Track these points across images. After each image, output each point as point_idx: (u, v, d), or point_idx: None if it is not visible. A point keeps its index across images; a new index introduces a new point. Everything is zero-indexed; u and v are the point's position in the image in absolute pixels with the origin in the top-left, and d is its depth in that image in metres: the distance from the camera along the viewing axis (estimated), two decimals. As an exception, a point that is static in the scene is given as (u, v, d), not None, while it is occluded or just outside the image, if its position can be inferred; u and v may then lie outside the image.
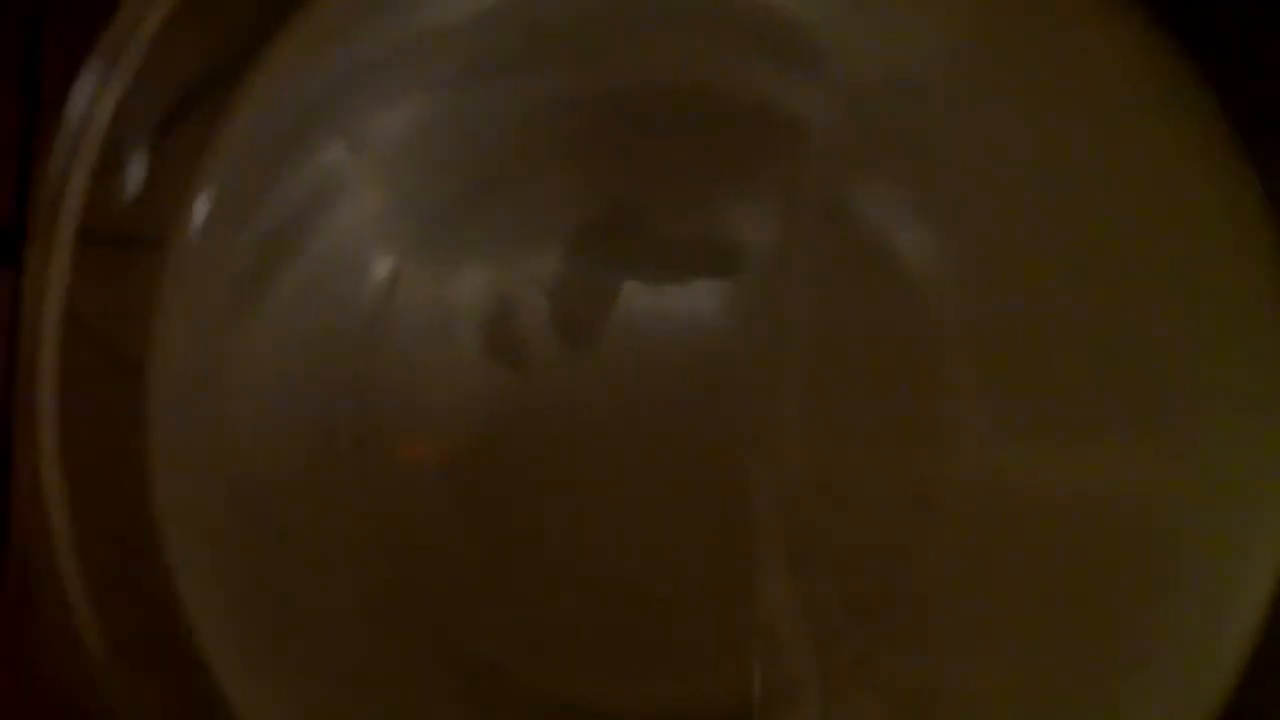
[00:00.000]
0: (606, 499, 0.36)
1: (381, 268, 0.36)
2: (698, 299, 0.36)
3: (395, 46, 0.37)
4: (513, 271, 0.36)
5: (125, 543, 0.35)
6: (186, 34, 0.37)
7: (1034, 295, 0.35)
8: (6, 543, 0.39)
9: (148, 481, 0.36)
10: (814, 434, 0.35)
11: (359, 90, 0.37)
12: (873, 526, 0.35)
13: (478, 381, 0.36)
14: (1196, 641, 0.35)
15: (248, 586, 0.37)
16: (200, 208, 0.37)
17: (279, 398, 0.36)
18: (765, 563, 0.35)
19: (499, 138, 0.37)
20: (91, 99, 0.36)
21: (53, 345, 0.35)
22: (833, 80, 0.36)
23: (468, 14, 0.37)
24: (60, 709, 0.35)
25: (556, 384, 0.36)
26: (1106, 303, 0.35)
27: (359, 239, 0.37)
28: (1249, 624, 0.35)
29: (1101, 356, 0.35)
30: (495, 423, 0.36)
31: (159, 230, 0.37)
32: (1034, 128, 0.35)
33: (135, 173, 0.37)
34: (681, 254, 0.36)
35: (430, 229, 0.37)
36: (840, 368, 0.36)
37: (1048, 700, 0.35)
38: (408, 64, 0.37)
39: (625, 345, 0.36)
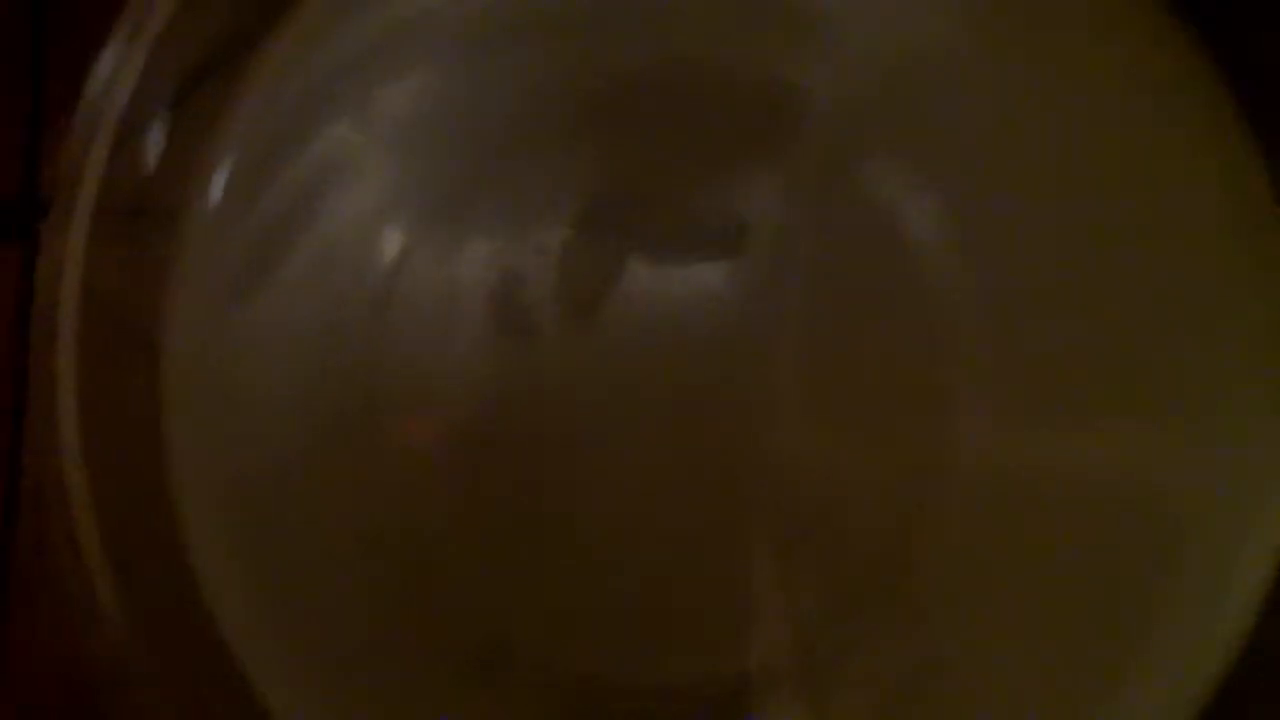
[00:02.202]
0: (609, 476, 0.36)
1: (388, 244, 0.37)
2: (701, 276, 0.36)
3: (400, 23, 0.38)
4: (518, 246, 0.36)
5: (144, 517, 0.36)
6: (199, 12, 0.37)
7: (1039, 276, 0.35)
8: (17, 517, 0.39)
9: (164, 456, 0.36)
10: (814, 414, 0.36)
11: (365, 67, 0.37)
12: (870, 510, 0.35)
13: (483, 358, 0.36)
14: (1195, 623, 0.35)
15: (259, 564, 0.37)
16: (213, 183, 0.38)
17: (287, 376, 0.37)
18: (759, 544, 0.35)
19: (503, 114, 0.37)
20: (110, 77, 0.36)
21: (71, 318, 0.35)
22: (840, 55, 0.36)
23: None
24: (78, 684, 0.35)
25: (561, 360, 0.36)
26: (1112, 287, 0.35)
27: (366, 216, 0.37)
28: (1247, 606, 0.36)
29: (1105, 341, 0.35)
30: (500, 400, 0.36)
31: (173, 204, 0.37)
32: (1043, 109, 0.35)
33: (151, 148, 0.37)
34: (685, 231, 0.36)
35: (436, 205, 0.37)
36: (843, 347, 0.36)
37: (1045, 683, 0.35)
38: (412, 41, 0.38)
39: (629, 321, 0.36)
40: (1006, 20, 0.36)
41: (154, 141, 0.37)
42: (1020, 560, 0.35)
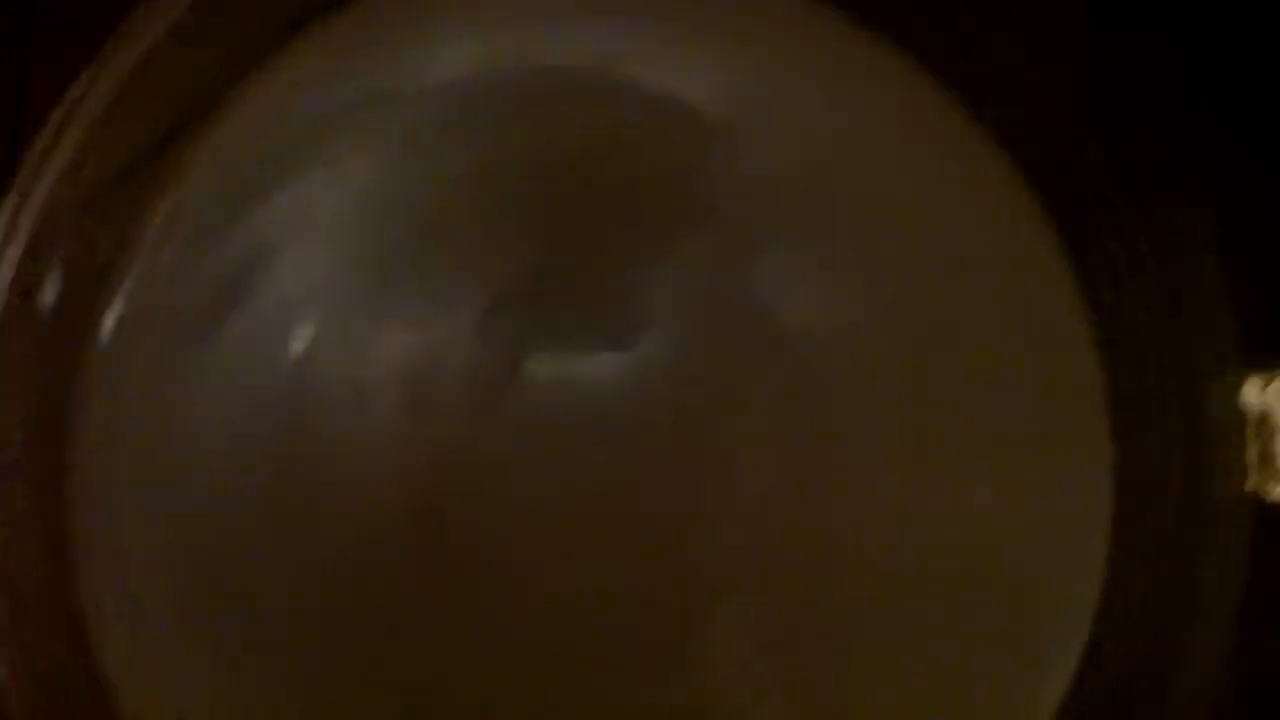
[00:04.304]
0: (524, 548, 0.38)
1: (308, 328, 0.39)
2: (602, 361, 0.39)
3: (323, 119, 0.40)
4: (430, 332, 0.39)
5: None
6: (136, 100, 0.39)
7: (903, 363, 0.39)
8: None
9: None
10: (719, 493, 0.38)
11: (289, 160, 0.39)
12: (780, 567, 0.38)
13: (393, 438, 0.38)
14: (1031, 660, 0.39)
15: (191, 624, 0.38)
16: (144, 266, 0.39)
17: (214, 446, 0.38)
18: (676, 597, 0.38)
19: (420, 205, 0.39)
20: (34, 172, 0.38)
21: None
22: (739, 163, 0.39)
23: (396, 88, 0.39)
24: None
25: (470, 442, 0.38)
26: (954, 370, 0.39)
27: (287, 300, 0.39)
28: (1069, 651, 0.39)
29: (952, 416, 0.39)
30: (408, 477, 0.38)
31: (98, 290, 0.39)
32: (903, 225, 0.39)
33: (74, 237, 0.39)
34: (587, 321, 0.39)
35: (355, 291, 0.39)
36: (741, 429, 0.39)
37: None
38: (336, 135, 0.39)
39: (534, 404, 0.38)
40: (875, 152, 0.40)
41: (78, 231, 0.39)
42: (906, 608, 0.39)
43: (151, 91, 0.39)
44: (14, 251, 0.38)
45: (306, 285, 0.39)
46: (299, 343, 0.38)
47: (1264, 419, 0.40)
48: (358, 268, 0.39)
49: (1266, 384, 0.40)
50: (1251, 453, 0.40)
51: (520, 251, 0.39)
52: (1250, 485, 0.40)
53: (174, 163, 0.40)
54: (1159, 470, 0.39)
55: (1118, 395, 0.39)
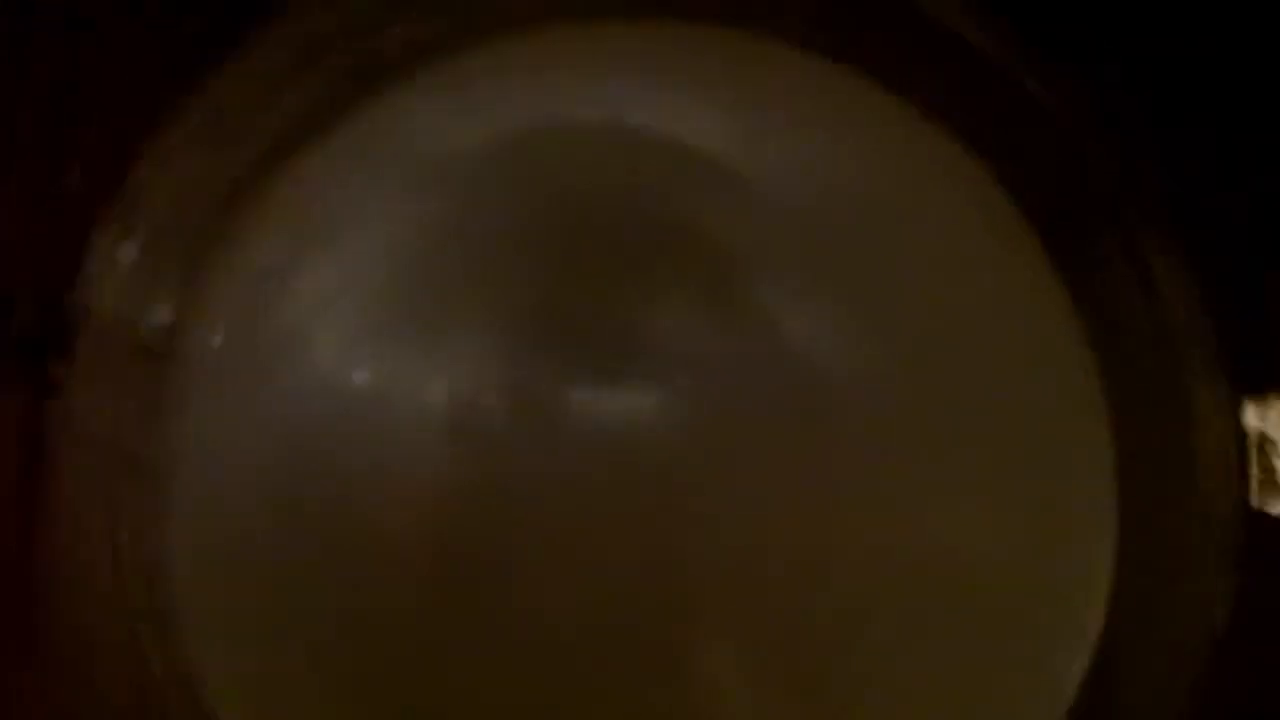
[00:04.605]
0: (552, 569, 0.42)
1: (365, 363, 0.42)
2: (632, 393, 0.42)
3: (374, 178, 0.43)
4: (475, 365, 0.42)
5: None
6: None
7: (905, 377, 0.42)
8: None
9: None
10: (732, 511, 0.41)
11: (341, 216, 0.43)
12: (777, 589, 0.42)
13: (439, 462, 0.42)
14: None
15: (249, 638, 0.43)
16: (213, 325, 0.43)
17: (266, 479, 0.42)
18: (690, 614, 0.42)
19: (465, 251, 0.43)
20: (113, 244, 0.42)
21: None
22: (749, 202, 0.41)
23: (435, 152, 0.43)
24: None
25: (509, 463, 0.42)
26: (957, 387, 0.42)
27: (343, 340, 0.42)
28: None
29: (960, 429, 0.42)
30: (452, 499, 0.42)
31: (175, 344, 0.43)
32: (903, 254, 0.42)
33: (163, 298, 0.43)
34: (618, 356, 0.42)
35: (405, 330, 0.43)
36: (754, 455, 0.42)
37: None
38: (382, 191, 0.43)
39: (570, 429, 0.42)
40: (887, 191, 0.43)
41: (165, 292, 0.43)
42: (907, 609, 0.41)
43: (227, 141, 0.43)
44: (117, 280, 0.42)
45: (360, 328, 0.43)
46: (359, 375, 0.42)
47: (1264, 439, 0.41)
48: (404, 311, 0.43)
49: (1263, 406, 0.41)
50: (1254, 470, 0.42)
51: (548, 294, 0.42)
52: (1254, 501, 0.42)
53: (243, 216, 0.43)
54: (1158, 480, 0.41)
55: (1117, 405, 0.42)
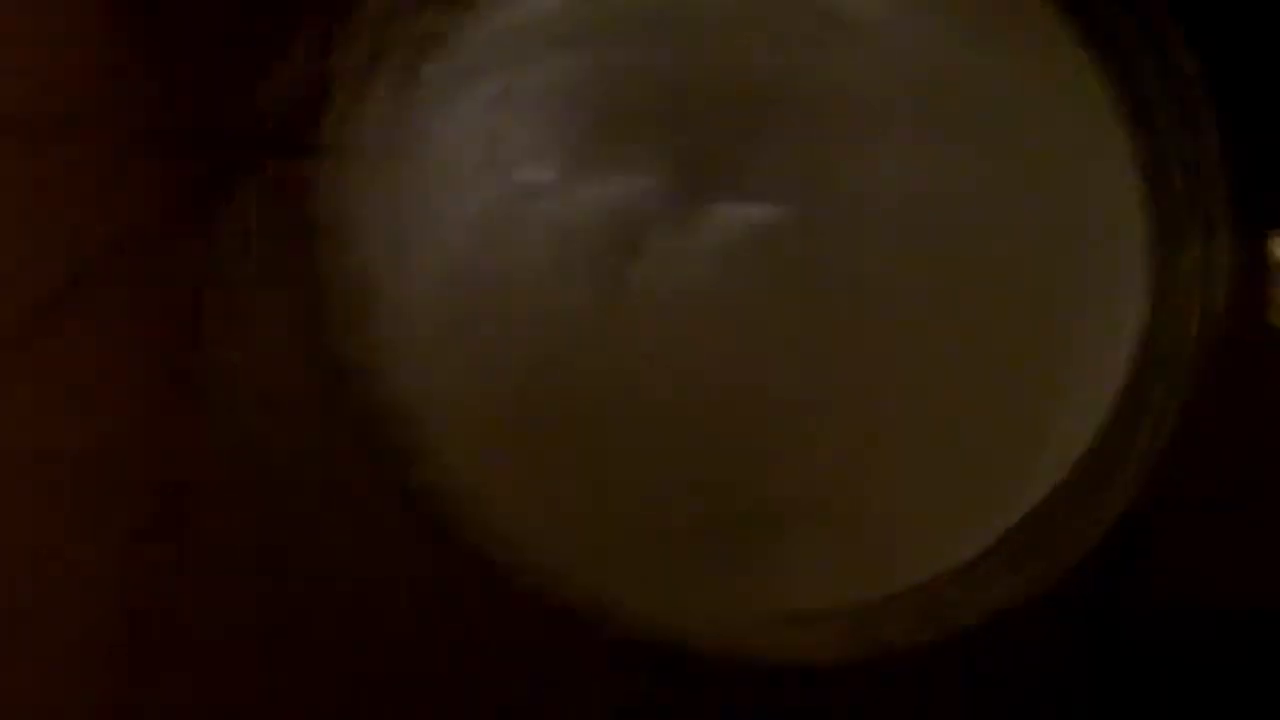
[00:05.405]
0: (689, 351, 0.52)
1: (544, 175, 0.52)
2: (754, 212, 0.52)
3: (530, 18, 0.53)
4: (628, 190, 0.52)
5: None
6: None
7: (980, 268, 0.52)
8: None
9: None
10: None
11: (507, 52, 0.52)
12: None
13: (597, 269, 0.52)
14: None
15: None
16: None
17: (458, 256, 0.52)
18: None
19: (608, 98, 0.52)
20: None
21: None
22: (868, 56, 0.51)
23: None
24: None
25: (657, 271, 0.52)
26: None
27: (528, 153, 0.52)
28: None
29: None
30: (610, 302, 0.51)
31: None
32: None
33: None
34: (741, 182, 0.52)
35: (574, 151, 0.52)
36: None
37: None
38: (540, 33, 0.53)
39: (696, 250, 0.52)
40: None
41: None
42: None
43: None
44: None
45: (529, 148, 0.52)
46: (537, 187, 0.52)
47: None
48: (574, 134, 0.52)
49: (1287, 238, 0.51)
50: (1276, 293, 0.51)
51: (688, 129, 0.52)
52: (1275, 320, 0.51)
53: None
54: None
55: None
